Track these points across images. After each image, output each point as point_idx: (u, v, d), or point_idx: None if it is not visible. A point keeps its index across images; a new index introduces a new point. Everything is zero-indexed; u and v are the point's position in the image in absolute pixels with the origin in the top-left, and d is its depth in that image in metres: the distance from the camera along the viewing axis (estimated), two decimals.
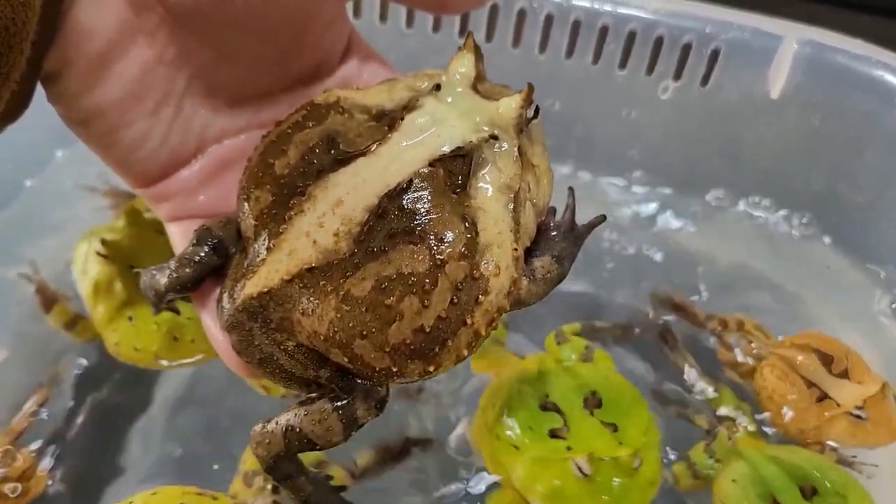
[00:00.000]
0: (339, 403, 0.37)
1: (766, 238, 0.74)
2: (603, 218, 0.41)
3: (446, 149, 0.35)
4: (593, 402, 0.55)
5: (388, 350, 0.33)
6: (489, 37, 0.71)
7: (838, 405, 0.57)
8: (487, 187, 0.35)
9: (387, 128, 0.36)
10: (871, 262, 0.70)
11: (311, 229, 0.34)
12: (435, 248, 0.34)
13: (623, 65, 0.71)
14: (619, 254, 0.73)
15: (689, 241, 0.74)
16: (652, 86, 0.71)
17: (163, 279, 0.39)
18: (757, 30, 0.67)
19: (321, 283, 0.34)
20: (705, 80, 0.70)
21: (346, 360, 0.34)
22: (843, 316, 0.68)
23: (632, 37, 0.69)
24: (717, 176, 0.76)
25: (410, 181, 0.34)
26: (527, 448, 0.52)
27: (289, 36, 0.38)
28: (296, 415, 0.37)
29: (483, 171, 0.35)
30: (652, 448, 0.55)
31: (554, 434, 0.53)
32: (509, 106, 0.36)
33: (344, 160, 0.35)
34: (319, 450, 0.38)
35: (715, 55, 0.68)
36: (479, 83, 0.37)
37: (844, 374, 0.59)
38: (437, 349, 0.34)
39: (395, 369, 0.34)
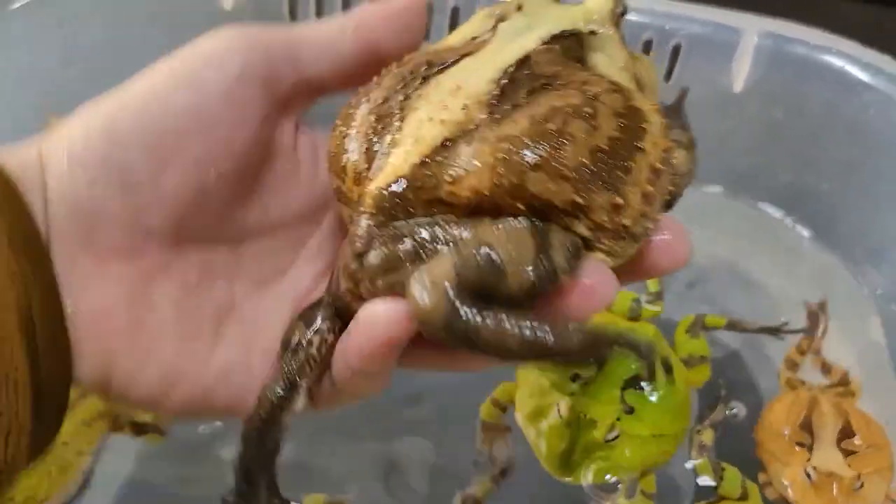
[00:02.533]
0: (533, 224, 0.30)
1: (735, 229, 0.74)
2: (687, 89, 0.40)
3: (556, 31, 0.33)
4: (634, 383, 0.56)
5: (568, 176, 0.29)
6: None
7: (807, 460, 0.55)
8: (606, 66, 0.33)
9: (481, 40, 0.33)
10: (840, 247, 0.70)
11: (434, 114, 0.30)
12: (581, 87, 0.31)
13: None
14: None
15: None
16: None
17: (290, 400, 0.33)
18: (716, 24, 0.68)
19: (465, 145, 0.29)
20: (668, 75, 0.70)
21: (521, 206, 0.29)
22: (813, 297, 0.69)
23: None
24: None
25: (527, 57, 0.31)
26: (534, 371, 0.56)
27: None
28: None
29: (596, 54, 0.34)
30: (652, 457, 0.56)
31: (574, 377, 0.56)
32: (601, 3, 0.34)
33: (448, 64, 0.32)
34: (500, 293, 0.28)
35: (676, 51, 0.69)
36: None
37: (849, 453, 0.56)
38: (621, 174, 0.29)
39: (581, 201, 0.29)
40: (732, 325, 0.66)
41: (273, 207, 0.37)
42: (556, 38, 0.33)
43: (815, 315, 0.66)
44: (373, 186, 0.30)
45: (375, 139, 0.31)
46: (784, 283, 0.71)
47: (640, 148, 0.30)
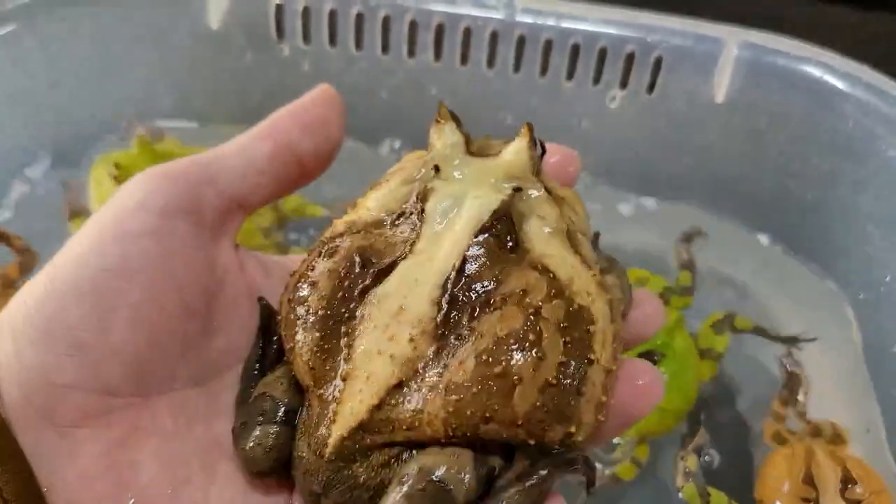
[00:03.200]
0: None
1: (720, 239, 0.75)
2: (598, 234, 0.40)
3: (483, 219, 0.33)
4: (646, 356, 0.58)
5: (520, 423, 0.30)
6: (437, 56, 0.72)
7: None
8: (539, 237, 0.33)
9: (412, 227, 0.34)
10: (821, 255, 0.71)
11: (382, 346, 0.31)
12: (521, 301, 0.31)
13: (570, 76, 0.72)
14: None
15: (644, 244, 0.75)
16: (599, 95, 0.72)
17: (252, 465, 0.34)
18: (697, 35, 0.69)
19: (416, 390, 0.31)
20: (651, 87, 0.71)
21: (476, 444, 0.31)
22: (794, 307, 0.70)
23: (576, 49, 0.70)
24: (669, 181, 0.77)
25: (464, 260, 0.32)
26: None
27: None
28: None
29: (527, 225, 0.33)
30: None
31: None
32: (518, 151, 0.34)
33: (383, 270, 0.33)
34: None
35: (658, 63, 0.70)
36: (469, 145, 0.35)
37: (854, 502, 0.55)
38: (572, 401, 0.30)
39: (533, 442, 0.30)
40: (759, 331, 0.66)
41: (235, 334, 0.37)
42: (486, 230, 0.32)
43: (796, 378, 0.65)
44: (334, 435, 0.31)
45: (324, 357, 0.33)
46: (763, 289, 0.72)
47: (590, 360, 0.31)
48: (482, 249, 0.32)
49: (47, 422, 0.31)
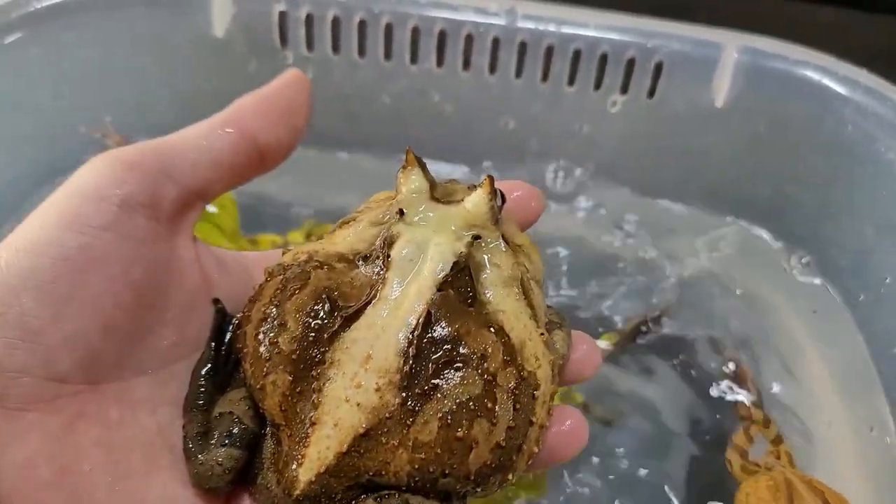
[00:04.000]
0: None
1: (720, 241, 0.75)
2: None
3: (445, 270, 0.35)
4: None
5: (472, 477, 0.33)
6: (440, 62, 0.73)
7: None
8: (495, 288, 0.36)
9: (377, 271, 0.36)
10: (820, 257, 0.72)
11: (349, 393, 0.33)
12: (480, 366, 0.34)
13: (571, 82, 0.73)
14: (576, 264, 0.74)
15: (645, 247, 0.76)
16: (601, 100, 0.73)
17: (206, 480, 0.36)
18: (696, 40, 0.69)
19: (383, 441, 0.33)
20: (651, 92, 0.72)
21: (430, 497, 0.34)
22: (793, 308, 0.70)
23: (577, 55, 0.71)
24: (670, 184, 0.78)
25: (429, 313, 0.34)
26: None
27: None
28: None
29: (484, 275, 0.36)
30: None
31: None
32: (478, 203, 0.35)
33: (351, 316, 0.34)
34: None
35: (659, 68, 0.70)
36: (433, 191, 0.36)
37: None
38: (514, 457, 0.34)
39: (478, 490, 0.34)
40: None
41: (189, 325, 0.37)
42: (448, 281, 0.35)
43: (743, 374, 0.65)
44: (302, 479, 0.33)
45: (294, 400, 0.34)
46: (766, 292, 0.72)
47: (531, 421, 0.34)
48: (444, 301, 0.34)
49: None
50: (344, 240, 0.37)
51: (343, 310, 0.34)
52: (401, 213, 0.36)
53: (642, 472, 0.61)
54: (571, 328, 0.39)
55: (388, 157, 0.78)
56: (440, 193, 0.37)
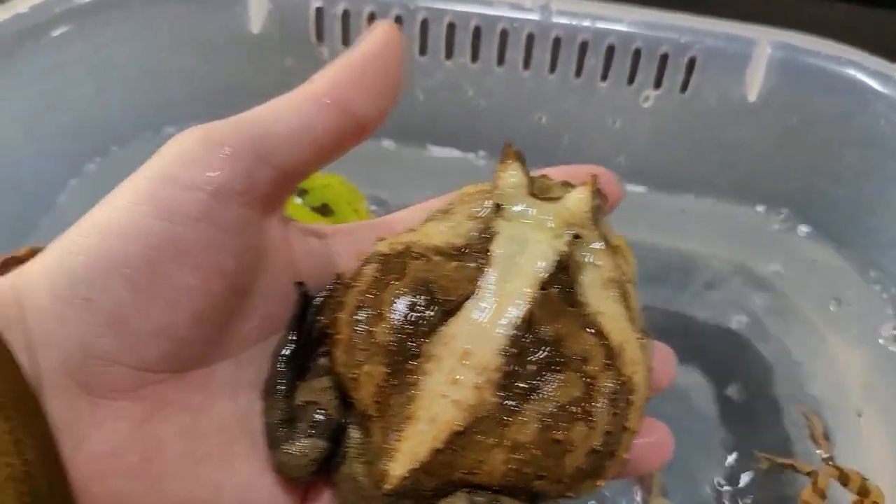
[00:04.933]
0: None
1: (752, 235, 0.76)
2: None
3: (546, 268, 0.34)
4: None
5: (565, 480, 0.33)
6: (475, 57, 0.74)
7: None
8: (594, 289, 0.35)
9: (475, 264, 0.35)
10: (854, 251, 0.72)
11: (446, 389, 0.33)
12: (580, 369, 0.33)
13: (604, 77, 0.73)
14: None
15: (676, 241, 0.77)
16: (633, 95, 0.74)
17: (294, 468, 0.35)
18: (731, 35, 0.70)
19: (479, 439, 0.32)
20: (684, 87, 0.72)
21: (522, 498, 0.34)
22: (828, 303, 0.71)
23: (611, 50, 0.71)
24: (702, 178, 0.78)
25: (530, 312, 0.33)
26: None
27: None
28: None
29: (584, 275, 0.35)
30: None
31: None
32: (580, 201, 0.35)
33: (450, 310, 0.34)
34: None
35: (692, 63, 0.71)
36: (531, 187, 0.36)
37: None
38: (606, 463, 0.34)
39: (569, 493, 0.34)
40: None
41: (274, 308, 0.36)
42: (549, 280, 0.34)
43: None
44: (395, 473, 0.33)
45: (389, 392, 0.33)
46: (798, 287, 0.73)
47: (626, 427, 0.34)
48: (545, 301, 0.34)
49: (83, 392, 0.31)
50: (440, 233, 0.36)
51: (442, 303, 0.34)
52: (498, 207, 0.35)
53: None
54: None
55: (423, 147, 0.80)
56: (540, 189, 0.36)
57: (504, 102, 0.76)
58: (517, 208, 0.35)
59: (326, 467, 0.35)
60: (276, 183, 0.34)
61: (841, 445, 0.63)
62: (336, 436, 0.35)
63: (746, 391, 0.66)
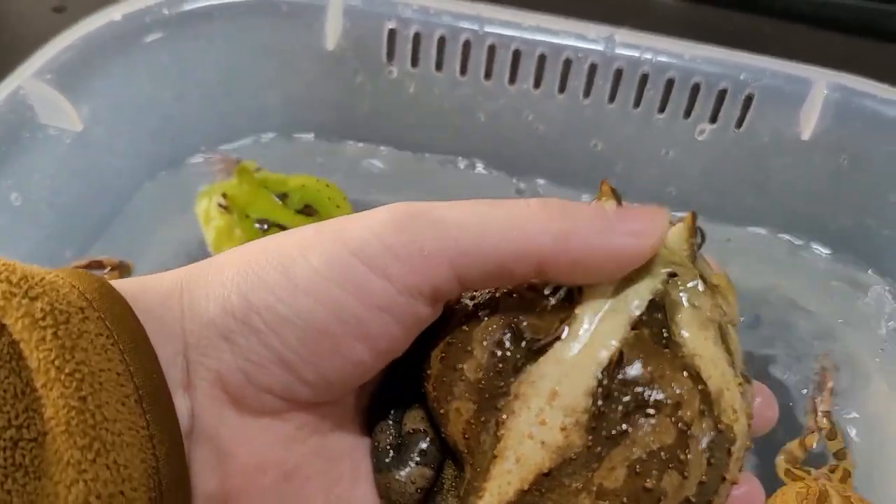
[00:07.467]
0: None
1: (798, 270, 0.78)
2: None
3: (640, 307, 0.33)
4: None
5: None
6: (537, 83, 0.77)
7: None
8: (691, 330, 0.33)
9: (567, 304, 0.34)
10: None
11: (534, 430, 0.32)
12: (674, 414, 0.32)
13: (662, 109, 0.76)
14: None
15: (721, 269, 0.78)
16: (689, 128, 0.76)
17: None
18: (788, 75, 0.72)
19: (565, 482, 0.32)
20: (740, 122, 0.75)
21: None
22: (871, 341, 0.73)
23: (670, 84, 0.74)
24: (750, 212, 0.80)
25: (621, 353, 0.32)
26: None
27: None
28: None
29: (680, 315, 0.33)
30: None
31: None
32: (677, 239, 0.34)
33: (539, 349, 0.33)
34: None
35: (749, 100, 0.73)
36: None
37: None
38: None
39: None
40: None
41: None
42: (642, 319, 0.33)
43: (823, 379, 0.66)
44: None
45: (478, 430, 0.33)
46: (844, 324, 0.75)
47: (724, 478, 0.33)
48: (637, 341, 0.32)
49: (231, 403, 0.33)
50: None
51: (531, 342, 0.33)
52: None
53: None
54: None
55: (473, 168, 0.83)
56: None
57: (562, 128, 0.79)
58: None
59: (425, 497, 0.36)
60: (455, 292, 0.34)
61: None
62: (440, 465, 0.36)
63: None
